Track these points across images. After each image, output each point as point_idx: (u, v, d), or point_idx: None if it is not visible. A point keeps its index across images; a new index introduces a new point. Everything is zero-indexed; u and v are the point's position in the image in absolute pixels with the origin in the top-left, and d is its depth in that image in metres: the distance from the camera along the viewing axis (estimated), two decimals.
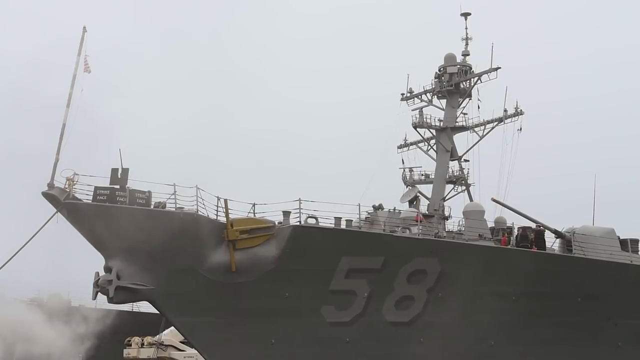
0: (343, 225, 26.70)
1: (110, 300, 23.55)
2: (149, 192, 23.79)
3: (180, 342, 37.05)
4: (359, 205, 26.49)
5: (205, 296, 24.04)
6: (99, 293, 23.66)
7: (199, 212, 23.80)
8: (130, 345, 37.36)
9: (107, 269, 23.31)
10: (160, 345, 36.94)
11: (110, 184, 23.53)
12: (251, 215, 24.82)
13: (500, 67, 46.43)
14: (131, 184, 23.65)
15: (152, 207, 23.84)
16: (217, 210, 24.29)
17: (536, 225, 28.93)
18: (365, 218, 29.41)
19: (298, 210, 24.88)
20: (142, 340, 37.43)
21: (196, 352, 30.63)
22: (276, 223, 25.04)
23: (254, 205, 24.92)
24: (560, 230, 29.48)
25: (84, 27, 24.22)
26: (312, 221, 25.11)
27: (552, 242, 29.83)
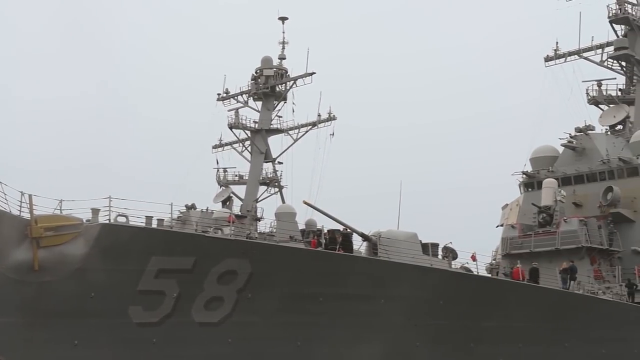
0: (154, 225, 26.30)
1: None
2: None
3: None
4: (171, 204, 26.19)
5: (5, 296, 22.91)
6: None
7: (1, 208, 22.69)
8: None
9: None
10: None
11: None
12: (58, 212, 23.90)
13: (315, 72, 47.58)
14: None
15: None
16: (20, 206, 23.22)
17: (343, 228, 29.73)
18: (177, 217, 29.16)
19: (108, 208, 24.26)
20: None
21: None
22: (84, 221, 24.32)
23: (60, 201, 24.06)
24: (367, 233, 30.46)
25: None
26: (122, 219, 24.53)
27: (359, 245, 30.76)
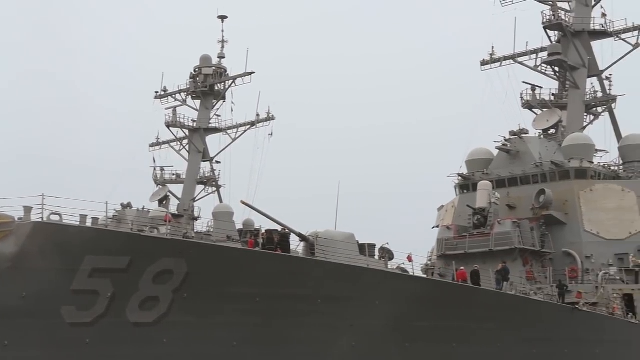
0: (89, 223, 25.90)
1: None
2: None
3: None
4: (107, 203, 25.80)
5: None
6: None
7: None
8: None
9: None
10: None
11: None
12: None
13: (254, 72, 47.46)
14: None
15: None
16: None
17: (281, 229, 29.74)
18: (113, 216, 28.78)
19: (41, 206, 23.79)
20: None
21: None
22: (16, 219, 23.82)
23: None
24: (304, 233, 30.53)
25: None
26: (55, 218, 24.10)
27: (297, 245, 30.80)
